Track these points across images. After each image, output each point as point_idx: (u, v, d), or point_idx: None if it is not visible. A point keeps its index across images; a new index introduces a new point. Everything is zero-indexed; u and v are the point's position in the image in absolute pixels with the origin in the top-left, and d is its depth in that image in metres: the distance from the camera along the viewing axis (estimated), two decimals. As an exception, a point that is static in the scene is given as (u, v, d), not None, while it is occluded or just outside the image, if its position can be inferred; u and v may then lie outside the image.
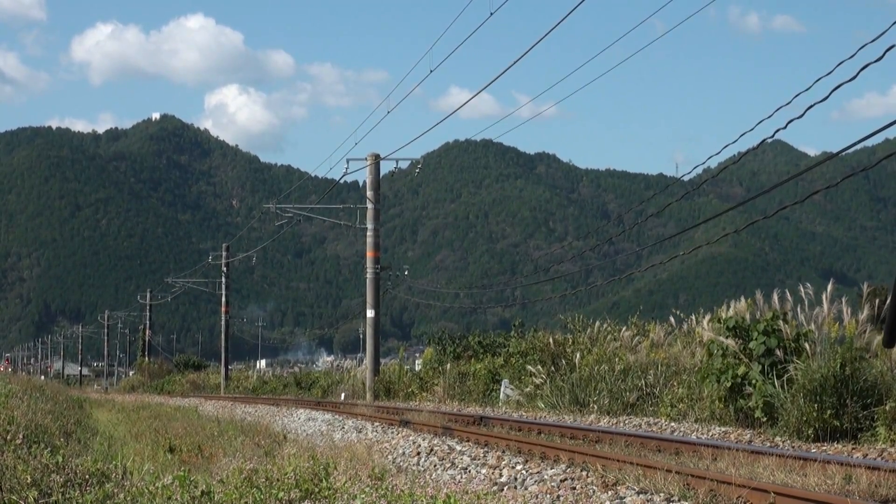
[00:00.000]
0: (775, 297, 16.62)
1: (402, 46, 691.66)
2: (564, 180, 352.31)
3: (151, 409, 30.02)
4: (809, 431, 14.03)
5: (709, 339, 17.52)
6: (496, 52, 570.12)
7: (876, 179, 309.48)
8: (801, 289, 16.45)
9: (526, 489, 9.80)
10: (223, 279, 60.77)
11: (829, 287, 16.01)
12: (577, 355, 23.73)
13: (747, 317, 17.05)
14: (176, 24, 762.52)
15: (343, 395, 36.40)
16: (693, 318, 21.88)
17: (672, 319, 23.06)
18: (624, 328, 25.20)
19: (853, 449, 12.53)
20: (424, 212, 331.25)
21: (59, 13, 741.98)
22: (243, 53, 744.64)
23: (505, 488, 9.90)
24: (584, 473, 10.25)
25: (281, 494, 7.85)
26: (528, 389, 24.87)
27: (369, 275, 36.42)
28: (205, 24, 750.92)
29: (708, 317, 20.52)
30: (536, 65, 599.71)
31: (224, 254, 60.30)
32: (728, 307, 18.20)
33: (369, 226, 36.78)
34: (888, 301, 4.80)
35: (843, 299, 16.02)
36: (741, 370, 16.09)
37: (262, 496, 7.77)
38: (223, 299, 60.68)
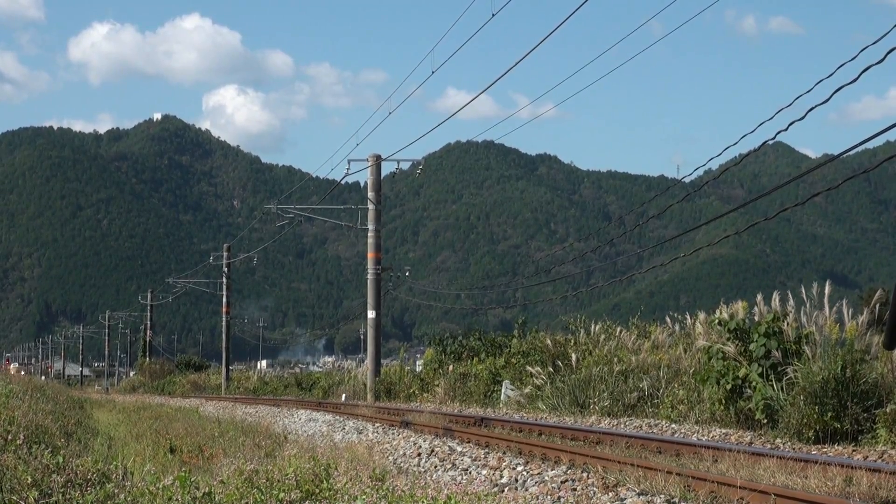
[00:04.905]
0: (776, 298, 16.61)
1: (400, 47, 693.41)
2: (566, 182, 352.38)
3: (152, 409, 30.00)
4: (810, 433, 14.03)
5: (709, 343, 17.52)
6: (493, 53, 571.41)
7: (877, 181, 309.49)
8: (803, 290, 16.44)
9: (527, 490, 9.81)
10: (224, 280, 60.76)
11: (828, 289, 16.00)
12: (574, 356, 23.72)
13: (743, 317, 17.04)
14: (172, 25, 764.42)
15: (344, 395, 36.39)
16: (691, 319, 21.85)
17: (668, 321, 23.04)
18: (622, 329, 25.20)
19: (854, 451, 12.53)
20: (426, 213, 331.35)
21: (56, 13, 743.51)
22: (241, 54, 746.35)
23: (506, 489, 9.91)
24: (585, 475, 10.25)
25: (282, 495, 7.84)
26: (528, 390, 24.87)
27: (370, 276, 36.42)
28: (201, 24, 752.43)
29: (703, 316, 20.56)
30: (535, 66, 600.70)
31: (225, 254, 60.28)
32: (725, 308, 18.18)
33: (370, 227, 36.78)
34: (890, 303, 4.80)
35: (844, 301, 16.02)
36: (741, 372, 16.09)
37: (262, 497, 7.77)
38: (224, 300, 60.66)
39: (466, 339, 36.35)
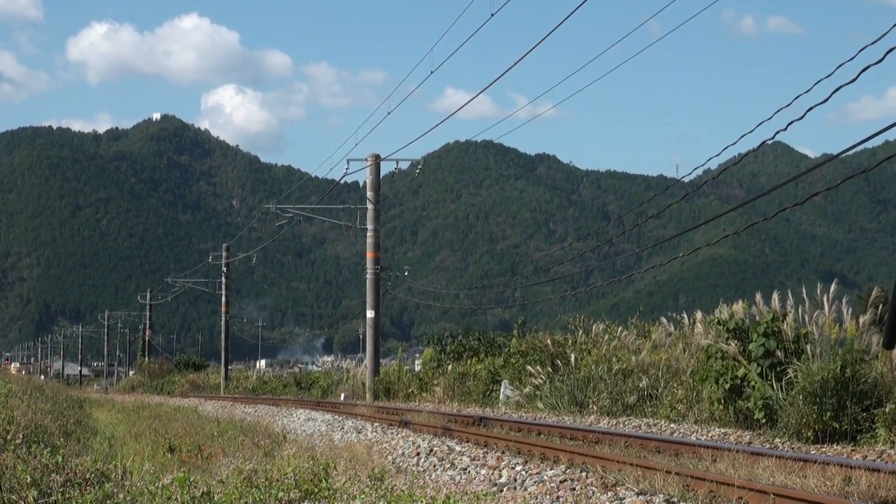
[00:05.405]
0: (775, 298, 16.61)
1: (398, 47, 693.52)
2: (565, 181, 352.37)
3: (151, 409, 30.03)
4: (809, 433, 14.03)
5: (707, 343, 17.52)
6: (492, 53, 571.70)
7: (876, 181, 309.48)
8: (804, 290, 16.43)
9: (525, 490, 9.81)
10: (223, 279, 60.74)
11: (832, 288, 16.00)
12: (573, 356, 23.73)
13: (743, 316, 17.04)
14: (171, 25, 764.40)
15: (343, 395, 36.40)
16: (689, 318, 21.83)
17: (664, 320, 23.02)
18: (621, 328, 25.20)
19: (852, 451, 12.53)
20: (425, 212, 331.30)
21: (55, 13, 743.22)
22: (240, 53, 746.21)
23: (504, 489, 9.91)
24: (584, 474, 10.25)
25: (281, 495, 7.85)
26: (527, 390, 24.87)
27: (369, 275, 36.41)
28: (200, 23, 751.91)
29: (700, 315, 20.56)
30: (534, 66, 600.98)
31: (224, 254, 60.26)
32: (724, 308, 18.19)
33: (369, 226, 36.77)
34: (889, 303, 4.81)
35: (845, 300, 16.02)
36: (740, 372, 16.09)
37: (261, 496, 7.77)
38: (223, 299, 60.64)
39: (465, 339, 36.34)
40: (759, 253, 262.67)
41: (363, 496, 7.62)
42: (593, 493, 9.21)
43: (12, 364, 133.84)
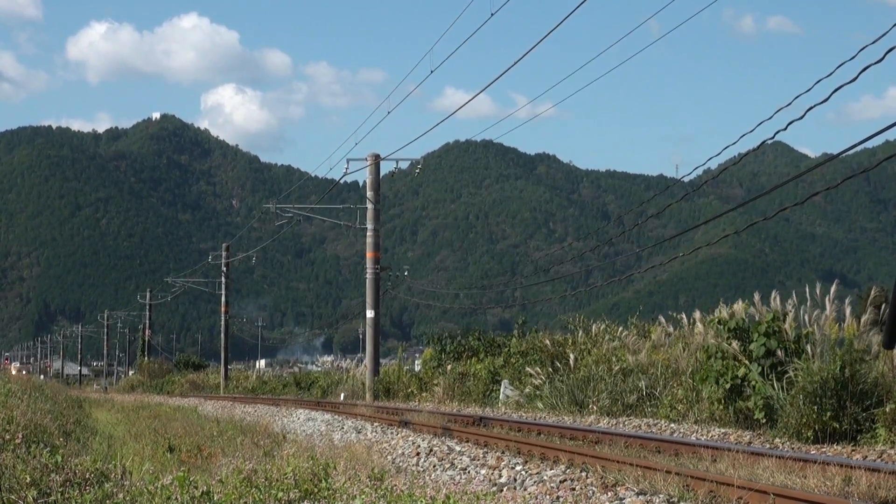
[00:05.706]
0: (776, 297, 16.60)
1: (398, 46, 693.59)
2: (565, 181, 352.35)
3: (151, 408, 30.02)
4: (809, 433, 14.02)
5: (710, 343, 17.52)
6: (492, 52, 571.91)
7: (876, 181, 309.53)
8: (807, 290, 16.44)
9: (525, 490, 9.80)
10: (223, 279, 60.76)
11: (833, 288, 15.99)
12: (572, 356, 23.72)
13: (743, 316, 17.04)
14: (170, 24, 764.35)
15: (343, 395, 36.40)
16: (688, 318, 21.81)
17: (662, 319, 23.01)
18: (621, 328, 25.19)
19: (853, 451, 12.52)
20: (424, 212, 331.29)
21: (54, 12, 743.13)
22: (239, 53, 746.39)
23: (504, 489, 9.90)
24: (584, 474, 10.25)
25: (280, 495, 7.84)
26: (527, 390, 24.87)
27: (369, 275, 36.40)
28: (199, 23, 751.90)
29: (699, 315, 20.56)
30: (534, 66, 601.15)
31: (224, 254, 60.28)
32: (723, 308, 18.18)
33: (369, 226, 36.76)
34: (889, 303, 4.80)
35: (847, 300, 16.01)
36: (741, 371, 16.09)
37: (261, 496, 7.76)
38: (223, 299, 60.66)
39: (465, 339, 36.32)
40: (759, 253, 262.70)
41: (363, 496, 7.61)
42: (593, 493, 9.21)
43: (12, 364, 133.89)
